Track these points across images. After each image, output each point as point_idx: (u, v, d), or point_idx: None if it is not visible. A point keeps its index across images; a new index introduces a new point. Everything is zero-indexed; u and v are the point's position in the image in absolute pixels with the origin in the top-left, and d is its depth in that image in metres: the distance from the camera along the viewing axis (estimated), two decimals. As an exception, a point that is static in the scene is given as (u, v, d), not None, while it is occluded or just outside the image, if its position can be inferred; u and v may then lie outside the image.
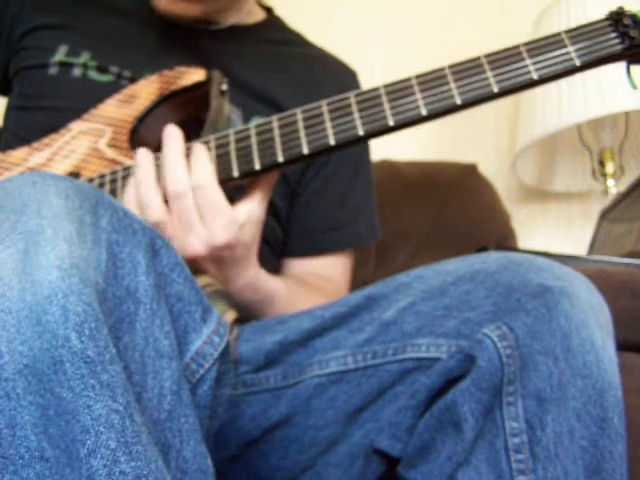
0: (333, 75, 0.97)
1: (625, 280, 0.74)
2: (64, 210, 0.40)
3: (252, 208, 0.70)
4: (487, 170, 1.53)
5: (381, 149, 1.41)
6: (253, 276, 0.75)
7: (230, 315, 0.69)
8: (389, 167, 1.45)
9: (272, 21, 1.00)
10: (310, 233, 0.92)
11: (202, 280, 0.70)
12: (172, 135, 0.71)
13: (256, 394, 0.67)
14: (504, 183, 1.65)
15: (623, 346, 0.65)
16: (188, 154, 0.71)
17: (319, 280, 0.90)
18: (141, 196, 0.69)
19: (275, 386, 0.67)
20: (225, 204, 0.69)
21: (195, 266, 0.70)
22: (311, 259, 0.91)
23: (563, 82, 1.32)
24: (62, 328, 0.35)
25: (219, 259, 0.70)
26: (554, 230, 1.67)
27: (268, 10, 1.01)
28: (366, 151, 0.99)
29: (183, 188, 0.68)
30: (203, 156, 0.70)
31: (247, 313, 0.77)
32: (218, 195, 0.68)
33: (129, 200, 0.70)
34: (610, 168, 1.46)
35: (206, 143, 0.72)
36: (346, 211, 0.94)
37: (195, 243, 0.68)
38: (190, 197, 0.68)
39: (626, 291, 0.72)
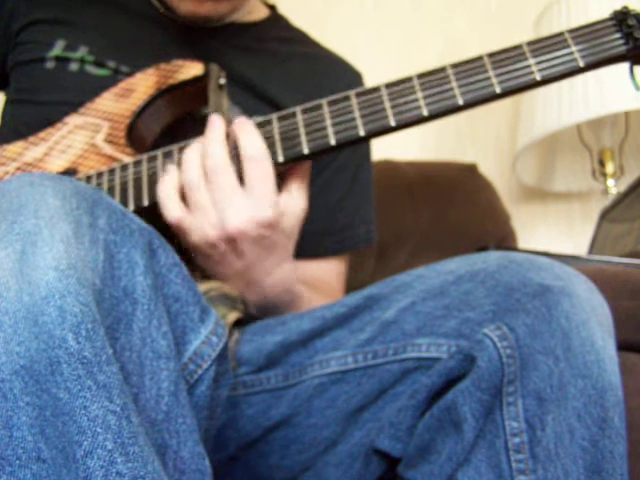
0: (337, 75, 0.95)
1: (625, 280, 0.74)
2: (61, 211, 0.40)
3: (290, 198, 0.71)
4: (487, 170, 1.52)
5: (381, 149, 1.40)
6: (288, 272, 0.75)
7: (231, 317, 0.69)
8: (389, 167, 1.44)
9: (275, 19, 0.98)
10: (308, 236, 0.91)
11: (205, 285, 0.70)
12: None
13: (257, 394, 0.67)
14: (504, 183, 1.65)
15: (623, 346, 0.65)
16: (228, 133, 0.70)
17: (318, 283, 0.89)
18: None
19: (276, 386, 0.67)
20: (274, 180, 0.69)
21: (232, 247, 0.69)
22: (308, 262, 0.91)
23: (563, 82, 1.32)
24: (59, 329, 0.35)
25: (259, 239, 0.69)
26: (554, 230, 1.67)
27: (272, 8, 1.00)
28: (367, 155, 0.98)
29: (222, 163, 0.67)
30: (252, 128, 0.70)
31: (271, 315, 0.75)
32: (271, 168, 0.68)
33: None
34: (610, 168, 1.45)
35: None
36: (344, 215, 0.93)
37: (237, 216, 0.67)
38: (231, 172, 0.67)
39: (626, 291, 0.72)
